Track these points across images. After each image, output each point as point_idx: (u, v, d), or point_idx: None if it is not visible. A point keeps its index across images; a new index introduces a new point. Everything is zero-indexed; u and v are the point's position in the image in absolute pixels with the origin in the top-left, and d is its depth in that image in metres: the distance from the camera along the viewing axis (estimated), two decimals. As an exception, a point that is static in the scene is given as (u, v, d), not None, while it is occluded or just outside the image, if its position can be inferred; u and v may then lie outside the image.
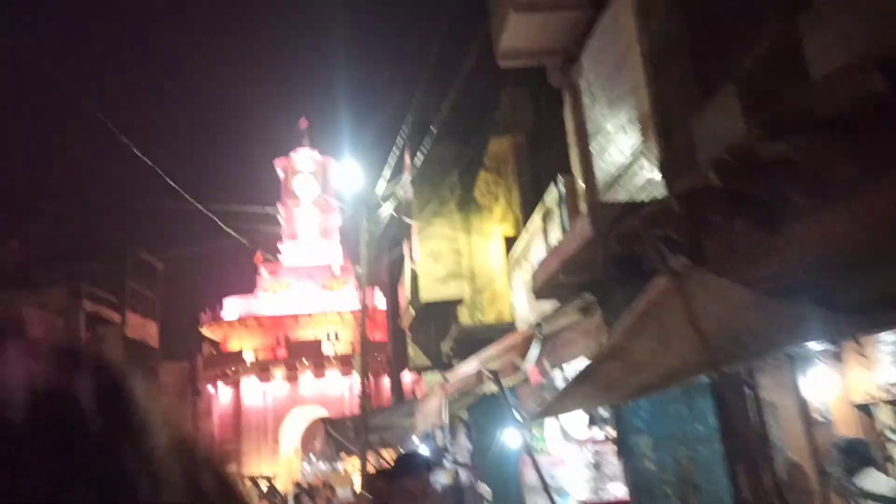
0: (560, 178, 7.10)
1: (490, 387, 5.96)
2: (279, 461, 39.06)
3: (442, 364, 16.13)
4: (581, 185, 6.85)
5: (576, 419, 5.81)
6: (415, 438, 16.81)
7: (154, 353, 32.31)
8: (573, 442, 5.98)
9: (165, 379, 38.69)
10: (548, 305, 6.74)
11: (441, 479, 15.49)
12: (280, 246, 46.67)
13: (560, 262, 5.60)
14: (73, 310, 25.94)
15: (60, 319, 24.08)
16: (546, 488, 4.56)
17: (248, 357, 41.36)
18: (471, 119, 13.80)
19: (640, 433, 4.45)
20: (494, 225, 14.63)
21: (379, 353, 37.63)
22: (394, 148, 12.36)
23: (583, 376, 3.28)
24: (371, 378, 38.69)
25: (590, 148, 6.73)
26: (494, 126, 12.87)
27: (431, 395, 7.15)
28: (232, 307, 44.01)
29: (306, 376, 41.50)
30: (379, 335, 41.23)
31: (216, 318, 44.01)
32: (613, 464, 4.98)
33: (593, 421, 5.34)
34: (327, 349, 41.64)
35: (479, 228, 14.88)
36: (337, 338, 42.77)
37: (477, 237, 14.82)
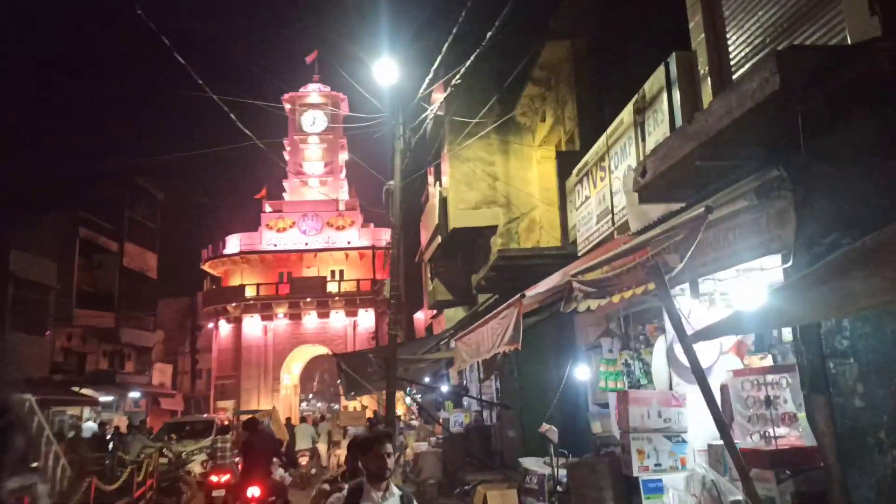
0: (673, 56, 5.68)
1: (587, 303, 4.68)
2: (279, 399, 38.51)
3: (469, 298, 14.96)
4: (704, 61, 5.45)
5: (705, 343, 4.59)
6: (426, 378, 15.81)
7: (152, 283, 31.18)
8: (687, 372, 4.78)
9: (165, 314, 37.86)
10: (654, 211, 5.41)
11: (459, 418, 14.57)
12: (285, 183, 45.18)
13: (700, 142, 4.22)
14: (68, 236, 24.64)
15: (55, 244, 22.82)
16: (720, 424, 3.32)
17: (251, 293, 40.36)
18: (517, 27, 12.17)
19: (843, 359, 3.19)
20: (536, 147, 13.23)
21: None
22: (437, 59, 10.74)
23: (866, 258, 1.97)
24: (375, 316, 37.71)
25: (722, 12, 5.30)
26: (548, 33, 11.28)
27: (496, 317, 5.89)
28: (234, 244, 42.80)
29: (310, 316, 40.63)
30: (382, 275, 40.17)
31: (217, 255, 42.84)
32: (785, 400, 3.76)
33: (763, 346, 4.11)
34: (332, 287, 40.64)
35: (519, 151, 13.48)
36: (342, 276, 41.70)
37: (515, 160, 13.43)
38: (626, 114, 6.68)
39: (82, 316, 24.92)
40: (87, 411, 25.64)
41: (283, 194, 44.79)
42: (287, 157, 45.45)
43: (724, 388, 4.41)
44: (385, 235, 41.40)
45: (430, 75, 9.34)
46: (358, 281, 40.72)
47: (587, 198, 7.92)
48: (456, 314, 15.20)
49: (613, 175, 6.97)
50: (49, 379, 22.51)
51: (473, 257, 14.88)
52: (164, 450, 15.32)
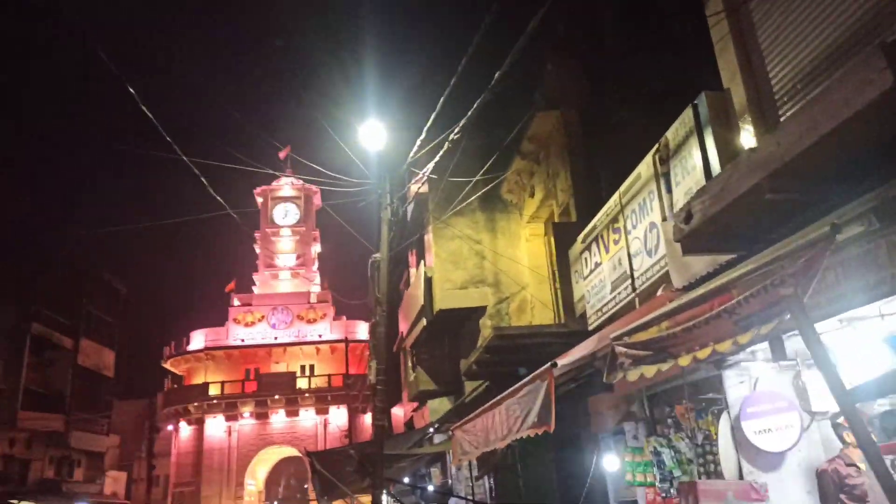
0: (702, 97, 5.13)
1: (639, 371, 3.80)
2: (242, 507, 35.57)
3: (455, 388, 13.84)
4: (741, 97, 4.89)
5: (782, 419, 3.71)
6: (406, 478, 14.32)
7: (108, 383, 29.07)
8: (762, 456, 3.87)
9: (121, 416, 35.33)
10: (698, 264, 4.67)
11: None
12: (255, 276, 44.07)
13: (771, 171, 3.56)
14: (19, 332, 22.93)
15: (3, 340, 21.14)
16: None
17: (214, 391, 38.10)
18: (503, 103, 11.87)
19: None
20: (524, 224, 12.65)
21: (359, 389, 34.83)
22: (423, 130, 10.23)
23: None
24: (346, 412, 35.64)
25: (759, 45, 4.80)
26: (535, 105, 10.96)
27: (513, 395, 4.95)
28: (199, 340, 40.89)
29: (278, 415, 38.33)
30: (355, 370, 38.58)
31: (181, 351, 40.78)
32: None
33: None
34: (302, 383, 38.67)
35: (506, 229, 12.88)
36: (312, 372, 39.84)
37: (503, 238, 12.80)
38: (645, 167, 6.07)
39: (28, 418, 22.77)
40: (25, 527, 23.01)
41: (253, 287, 43.56)
42: (258, 250, 44.63)
43: (821, 476, 3.49)
44: (359, 329, 40.08)
45: (419, 142, 8.77)
46: (329, 376, 38.93)
47: (597, 265, 7.18)
48: (441, 405, 14.02)
49: (632, 235, 6.27)
50: (-17, 492, 20.20)
51: (460, 343, 13.91)
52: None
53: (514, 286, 12.45)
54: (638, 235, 6.13)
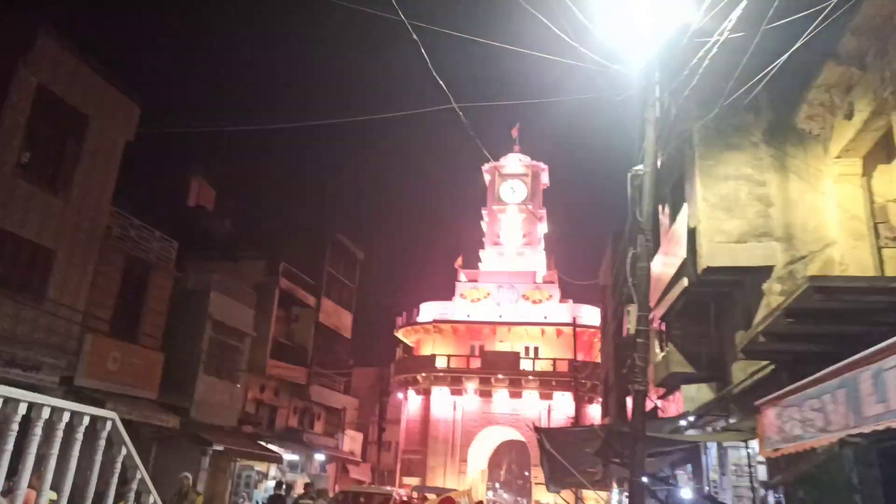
0: None
1: None
2: (465, 481, 35.44)
3: (718, 372, 11.06)
4: None
5: None
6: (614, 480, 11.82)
7: (344, 343, 30.53)
8: None
9: (358, 383, 37.38)
10: None
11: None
12: (481, 252, 43.95)
13: None
14: (269, 286, 24.64)
15: (254, 293, 22.75)
16: None
17: (441, 364, 38.61)
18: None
19: None
20: (831, 163, 9.46)
21: (587, 377, 32.57)
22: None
23: None
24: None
25: None
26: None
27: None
28: (427, 312, 41.90)
29: (501, 394, 37.64)
30: (583, 357, 36.24)
31: (411, 322, 42.16)
32: None
33: None
34: (525, 365, 37.48)
35: (802, 169, 9.78)
36: (536, 354, 38.45)
37: (797, 181, 9.74)
38: None
39: (275, 367, 24.48)
40: (273, 468, 24.78)
41: (479, 264, 43.46)
42: (485, 228, 44.45)
43: None
44: (586, 313, 37.67)
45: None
46: (554, 360, 37.18)
47: None
48: (700, 394, 11.35)
49: None
50: (238, 430, 21.90)
51: (725, 317, 11.08)
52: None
53: (815, 242, 9.36)
54: None
